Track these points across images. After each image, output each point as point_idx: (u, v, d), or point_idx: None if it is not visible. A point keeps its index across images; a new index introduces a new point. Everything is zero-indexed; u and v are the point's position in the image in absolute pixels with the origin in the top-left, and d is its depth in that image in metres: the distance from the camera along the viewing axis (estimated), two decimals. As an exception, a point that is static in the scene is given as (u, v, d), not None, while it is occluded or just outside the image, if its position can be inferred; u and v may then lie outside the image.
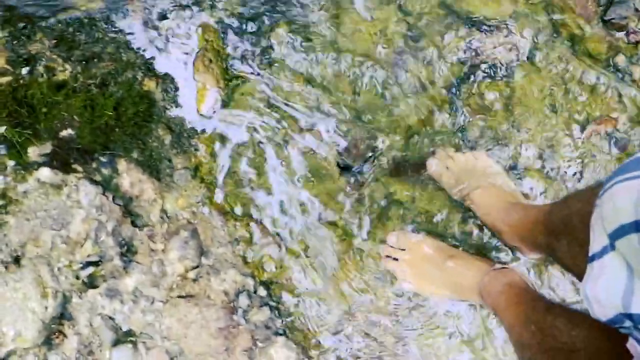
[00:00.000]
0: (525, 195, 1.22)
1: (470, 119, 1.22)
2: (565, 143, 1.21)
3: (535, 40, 1.22)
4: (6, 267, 1.16)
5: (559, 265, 0.99)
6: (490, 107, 1.22)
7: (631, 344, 0.49)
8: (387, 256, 1.21)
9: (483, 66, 1.23)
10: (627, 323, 0.49)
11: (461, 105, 1.22)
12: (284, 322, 1.21)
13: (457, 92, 1.23)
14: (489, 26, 1.23)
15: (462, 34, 1.23)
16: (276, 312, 1.21)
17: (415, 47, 1.23)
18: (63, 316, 1.18)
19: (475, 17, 1.23)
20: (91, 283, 1.18)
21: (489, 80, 1.22)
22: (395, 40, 1.23)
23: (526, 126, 1.22)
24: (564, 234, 0.87)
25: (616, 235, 0.49)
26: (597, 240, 0.53)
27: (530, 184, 1.22)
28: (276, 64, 1.24)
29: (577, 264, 0.57)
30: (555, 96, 1.22)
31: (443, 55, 1.23)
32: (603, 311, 0.51)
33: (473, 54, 1.23)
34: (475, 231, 1.22)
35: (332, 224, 1.22)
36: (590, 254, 0.54)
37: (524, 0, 1.22)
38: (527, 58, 1.22)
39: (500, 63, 1.23)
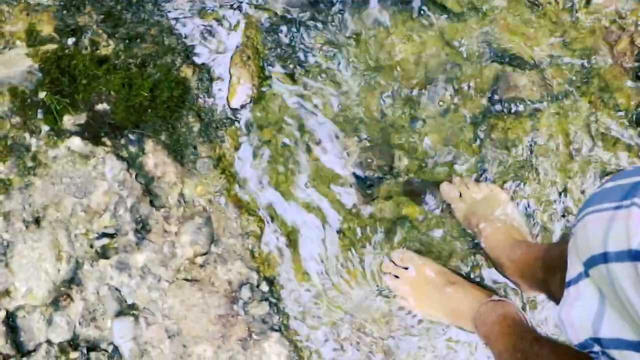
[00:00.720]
0: (531, 233, 1.24)
1: (491, 151, 1.25)
2: (579, 190, 1.23)
3: (567, 85, 1.24)
4: (27, 226, 1.21)
5: (552, 300, 1.02)
6: (513, 142, 1.24)
7: None
8: (389, 272, 1.24)
9: (512, 101, 1.25)
10: (596, 348, 0.51)
11: (484, 136, 1.25)
12: (280, 319, 1.25)
13: (482, 123, 1.25)
14: (524, 64, 1.25)
15: (497, 68, 1.25)
16: (275, 308, 1.25)
17: (449, 73, 1.25)
18: (73, 281, 1.23)
19: (512, 55, 1.25)
20: (104, 253, 1.23)
21: (515, 116, 1.25)
22: (431, 65, 1.26)
23: (544, 167, 1.24)
24: (559, 269, 0.90)
25: (589, 264, 0.51)
26: (573, 267, 0.55)
27: (540, 223, 1.24)
28: (312, 71, 1.27)
29: None
30: (578, 142, 1.23)
31: (475, 86, 1.25)
32: (576, 335, 0.53)
33: (504, 88, 1.25)
34: (478, 262, 1.24)
35: (339, 233, 1.25)
36: (567, 279, 0.56)
37: (561, 44, 1.24)
38: (556, 100, 1.24)
39: (530, 101, 1.24)
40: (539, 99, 1.24)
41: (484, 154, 1.25)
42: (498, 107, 1.25)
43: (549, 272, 0.97)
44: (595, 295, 0.51)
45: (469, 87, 1.25)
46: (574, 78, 1.24)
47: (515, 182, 1.24)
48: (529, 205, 1.24)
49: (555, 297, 0.96)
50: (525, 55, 1.25)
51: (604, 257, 0.48)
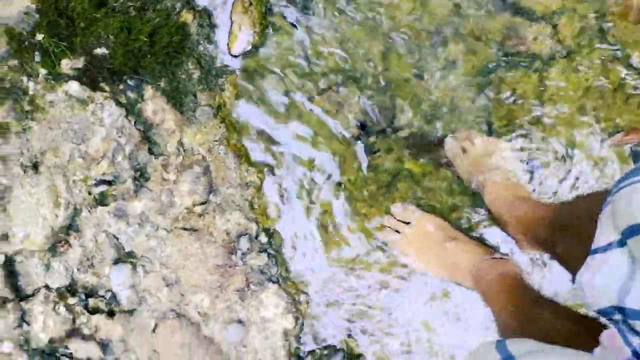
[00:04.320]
0: (534, 191, 1.22)
1: (497, 106, 1.21)
2: (587, 147, 1.20)
3: (579, 38, 1.20)
4: (25, 171, 1.20)
5: (557, 261, 1.01)
6: (520, 97, 1.21)
7: (608, 335, 0.51)
8: (389, 227, 1.22)
9: (521, 55, 1.21)
10: (617, 316, 0.50)
11: (491, 90, 1.21)
12: (279, 271, 1.24)
13: (489, 77, 1.21)
14: (534, 16, 1.20)
15: (505, 19, 1.21)
16: (273, 260, 1.24)
17: (456, 24, 1.21)
18: (71, 227, 1.22)
19: (522, 6, 1.20)
20: (102, 201, 1.22)
21: (524, 70, 1.21)
22: (437, 14, 1.22)
23: (552, 123, 1.21)
24: (569, 230, 0.88)
25: (629, 233, 0.50)
26: (604, 235, 0.55)
27: (542, 181, 1.21)
28: (315, 19, 1.23)
29: (576, 261, 0.58)
30: (588, 98, 1.20)
31: (483, 37, 1.21)
32: (596, 301, 0.52)
33: (513, 40, 1.21)
34: (480, 218, 1.23)
35: (340, 185, 1.24)
36: (593, 247, 0.56)
37: (575, -5, 1.19)
38: (567, 54, 1.20)
39: (538, 55, 1.20)
40: (549, 53, 1.20)
41: (490, 109, 1.22)
42: (506, 60, 1.21)
43: (556, 232, 0.95)
44: (626, 265, 0.50)
45: (476, 38, 1.21)
46: (586, 31, 1.20)
47: (521, 138, 1.21)
48: (533, 163, 1.21)
49: (563, 258, 0.94)
50: (536, 6, 1.20)
51: None
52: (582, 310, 1.12)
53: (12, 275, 1.22)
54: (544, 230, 1.01)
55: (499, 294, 1.06)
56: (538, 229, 1.04)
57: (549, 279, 1.23)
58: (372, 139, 1.23)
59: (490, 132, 1.22)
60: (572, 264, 0.89)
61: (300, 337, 1.24)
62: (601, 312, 0.52)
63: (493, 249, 1.21)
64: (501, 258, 1.15)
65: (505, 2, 1.20)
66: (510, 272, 1.11)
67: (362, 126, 1.23)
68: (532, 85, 1.21)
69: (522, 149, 1.21)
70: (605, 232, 0.54)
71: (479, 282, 1.14)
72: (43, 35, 1.19)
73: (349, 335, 1.24)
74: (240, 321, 1.23)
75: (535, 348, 0.55)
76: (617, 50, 1.19)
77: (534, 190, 1.21)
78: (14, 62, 1.20)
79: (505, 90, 1.21)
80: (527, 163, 1.22)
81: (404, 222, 1.21)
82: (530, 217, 1.08)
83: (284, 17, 1.23)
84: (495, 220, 1.21)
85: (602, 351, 0.52)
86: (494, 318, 1.06)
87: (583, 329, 0.81)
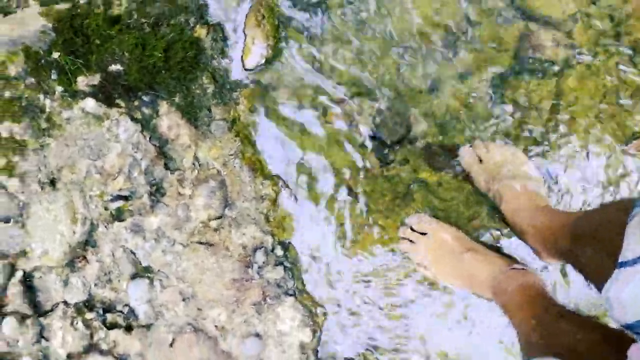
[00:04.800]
0: (551, 199, 1.20)
1: (513, 113, 1.20)
2: (604, 154, 1.19)
3: (595, 44, 1.18)
4: (42, 188, 1.21)
5: (580, 272, 0.99)
6: (536, 104, 1.20)
7: (636, 349, 0.49)
8: (405, 238, 1.21)
9: (536, 62, 1.20)
10: None
11: (506, 98, 1.20)
12: (295, 284, 1.24)
13: (504, 85, 1.20)
14: (549, 23, 1.19)
15: (520, 26, 1.20)
16: (290, 273, 1.24)
17: (469, 32, 1.20)
18: (88, 243, 1.23)
19: (537, 12, 1.19)
20: (118, 216, 1.23)
21: (540, 77, 1.20)
22: (451, 22, 1.21)
23: (569, 130, 1.19)
24: (591, 241, 0.87)
25: None
26: (632, 248, 0.53)
27: (560, 189, 1.20)
28: (328, 31, 1.23)
29: (600, 273, 0.57)
30: (605, 104, 1.18)
31: (497, 45, 1.20)
32: (623, 315, 0.51)
33: (528, 47, 1.20)
34: (497, 228, 1.21)
35: (356, 197, 1.23)
36: (621, 260, 0.55)
37: (589, 2, 1.18)
38: (583, 60, 1.18)
39: (555, 61, 1.19)
40: (565, 59, 1.19)
41: (506, 117, 1.20)
42: (522, 67, 1.20)
43: (578, 243, 0.93)
44: None
45: (490, 47, 1.20)
46: (602, 37, 1.18)
47: (538, 145, 1.20)
48: (551, 170, 1.20)
49: (586, 270, 0.92)
50: (551, 12, 1.19)
51: None
52: (605, 320, 1.10)
53: (30, 290, 1.23)
54: (563, 239, 1.00)
55: (519, 306, 1.04)
56: (557, 238, 1.02)
57: (570, 288, 1.21)
58: (386, 149, 1.22)
59: (506, 140, 1.21)
60: (593, 274, 0.87)
61: (317, 351, 1.23)
62: (629, 326, 0.51)
63: (512, 259, 1.20)
64: (521, 269, 1.13)
65: (520, 8, 1.20)
66: (530, 282, 1.10)
67: (377, 137, 1.23)
68: (548, 91, 1.19)
69: (539, 157, 1.20)
70: (633, 245, 0.53)
71: (498, 294, 1.12)
72: (59, 53, 1.20)
73: (367, 349, 1.23)
74: (257, 335, 1.23)
75: None
76: (634, 54, 1.17)
77: (554, 200, 1.19)
78: (30, 80, 1.21)
79: (521, 97, 1.20)
80: (544, 171, 1.20)
81: (420, 232, 1.20)
82: (548, 226, 1.06)
83: (297, 30, 1.23)
84: (513, 229, 1.19)
85: None
86: (515, 330, 1.04)
87: (605, 339, 0.79)
